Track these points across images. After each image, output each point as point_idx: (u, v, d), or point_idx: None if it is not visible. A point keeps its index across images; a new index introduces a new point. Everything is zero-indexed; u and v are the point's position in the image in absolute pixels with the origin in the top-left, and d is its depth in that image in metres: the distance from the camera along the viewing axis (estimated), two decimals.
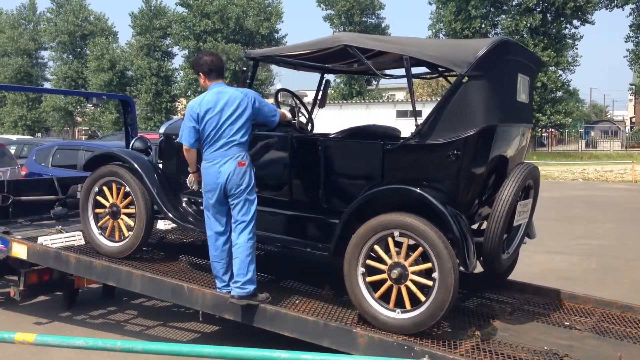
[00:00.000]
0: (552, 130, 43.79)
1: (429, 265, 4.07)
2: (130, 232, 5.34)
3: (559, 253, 8.26)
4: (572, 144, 49.37)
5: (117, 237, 5.43)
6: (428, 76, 5.74)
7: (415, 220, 4.06)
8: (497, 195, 4.32)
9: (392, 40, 4.83)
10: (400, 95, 47.85)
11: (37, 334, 2.82)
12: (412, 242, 4.15)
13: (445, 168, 4.16)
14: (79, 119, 59.23)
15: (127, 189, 5.33)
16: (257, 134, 4.99)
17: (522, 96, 4.58)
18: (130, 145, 6.02)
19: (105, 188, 5.48)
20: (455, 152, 4.07)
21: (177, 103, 54.13)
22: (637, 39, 40.47)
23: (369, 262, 4.29)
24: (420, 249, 4.10)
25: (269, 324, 4.47)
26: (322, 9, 48.87)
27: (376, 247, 4.24)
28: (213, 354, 2.65)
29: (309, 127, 5.64)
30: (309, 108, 5.70)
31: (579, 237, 10.12)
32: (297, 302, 4.77)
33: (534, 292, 5.57)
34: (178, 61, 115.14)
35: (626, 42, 41.80)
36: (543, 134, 45.51)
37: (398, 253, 4.18)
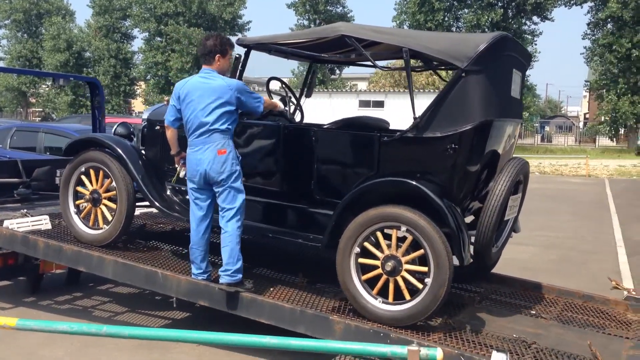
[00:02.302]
0: None
1: (421, 252, 4.10)
2: (110, 220, 5.24)
3: (520, 244, 8.47)
4: (528, 138, 50.41)
5: (96, 224, 5.33)
6: (421, 69, 5.70)
7: (411, 213, 4.08)
8: (490, 189, 4.37)
9: (391, 31, 4.80)
10: (363, 85, 47.94)
11: (18, 318, 2.77)
12: (401, 234, 4.17)
13: (442, 161, 4.19)
14: (33, 100, 57.65)
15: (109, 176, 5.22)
16: (249, 122, 4.96)
17: (515, 91, 4.63)
18: (113, 130, 5.89)
19: (88, 173, 5.35)
20: (452, 145, 4.09)
21: (136, 86, 53.17)
22: (594, 37, 41.47)
23: (362, 256, 4.29)
24: (409, 239, 4.13)
25: (245, 311, 4.48)
26: None
27: (371, 239, 4.25)
28: (202, 339, 2.65)
29: (299, 117, 5.61)
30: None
31: (538, 229, 10.39)
32: (271, 289, 4.78)
33: (499, 281, 5.70)
34: (138, 43, 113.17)
35: (583, 39, 42.83)
36: None
37: (390, 246, 4.20)
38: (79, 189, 5.36)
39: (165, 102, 5.58)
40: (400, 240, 4.19)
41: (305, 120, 5.63)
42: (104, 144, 5.30)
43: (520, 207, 4.96)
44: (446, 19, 42.50)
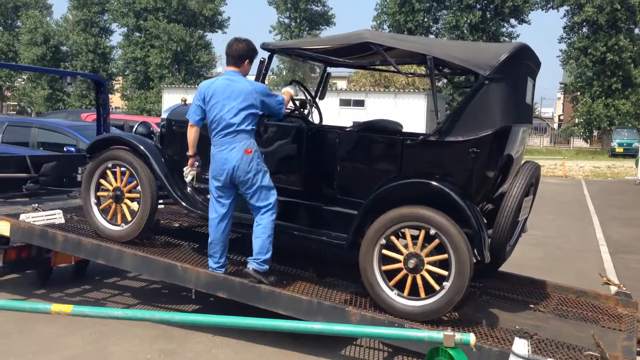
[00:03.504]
0: None
1: (445, 256, 4.33)
2: (133, 217, 5.37)
3: None
4: None
5: (118, 221, 5.45)
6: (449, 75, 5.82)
7: (443, 218, 4.29)
8: (507, 191, 4.62)
9: (415, 39, 4.99)
10: (343, 84, 48.23)
11: (73, 305, 2.94)
12: (416, 233, 4.38)
13: (463, 164, 4.41)
14: (8, 94, 56.84)
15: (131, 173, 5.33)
16: (272, 123, 5.14)
17: (528, 98, 4.87)
18: (134, 129, 6.03)
19: (108, 172, 5.49)
20: (474, 149, 4.32)
21: (114, 82, 52.73)
22: (570, 40, 42.30)
23: (385, 252, 4.50)
24: (436, 242, 4.34)
25: (263, 303, 4.68)
26: None
27: (398, 234, 4.47)
28: (249, 324, 2.85)
29: (318, 119, 5.78)
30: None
31: None
32: (283, 282, 4.99)
33: (497, 277, 5.98)
34: (116, 38, 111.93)
35: (559, 42, 43.67)
36: None
37: (414, 244, 4.41)
38: (103, 182, 5.49)
39: (183, 103, 5.75)
40: (426, 240, 4.40)
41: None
42: (128, 142, 5.41)
43: (530, 208, 5.22)
44: (426, 19, 43.01)
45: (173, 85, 40.04)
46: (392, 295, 4.46)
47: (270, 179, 4.76)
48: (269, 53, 5.09)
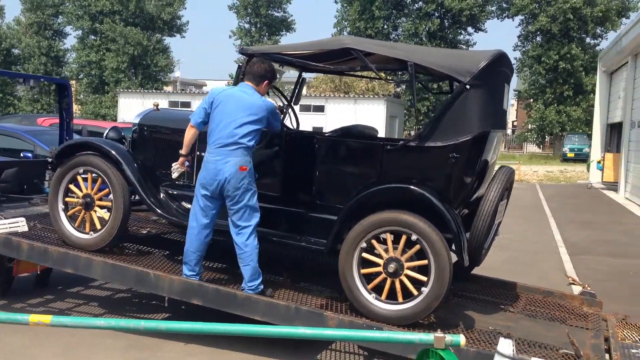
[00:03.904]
0: None
1: (425, 262, 4.36)
2: (103, 225, 5.24)
3: None
4: None
5: (87, 229, 5.31)
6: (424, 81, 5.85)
7: (417, 219, 4.32)
8: (484, 195, 4.69)
9: (395, 46, 5.01)
10: (302, 90, 48.33)
11: (52, 315, 2.85)
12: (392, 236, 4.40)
13: (443, 169, 4.46)
14: None
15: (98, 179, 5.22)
16: None
17: (505, 104, 4.95)
18: (104, 134, 5.88)
19: (79, 178, 5.34)
20: (454, 154, 4.37)
21: None
22: (524, 49, 43.37)
23: (365, 255, 4.49)
24: (417, 247, 4.36)
25: (239, 309, 4.64)
26: None
27: (379, 239, 4.47)
28: (235, 331, 2.81)
29: (295, 124, 5.78)
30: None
31: None
32: None
33: (467, 279, 6.07)
34: (71, 41, 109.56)
35: (514, 50, 44.77)
36: None
37: (393, 249, 4.42)
38: (73, 188, 5.35)
39: (155, 107, 5.66)
40: (406, 245, 4.42)
41: None
42: (100, 148, 5.26)
43: (504, 212, 5.30)
44: (385, 26, 43.48)
45: (129, 90, 39.46)
46: (370, 298, 4.47)
47: (257, 201, 4.71)
48: (247, 57, 5.05)
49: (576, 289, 6.52)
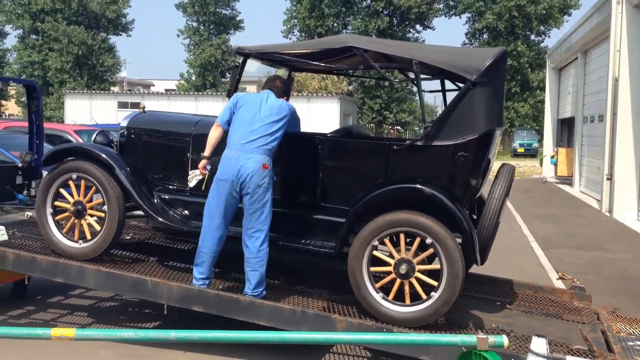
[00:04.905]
0: (390, 127, 46.44)
1: (437, 266, 4.32)
2: (93, 234, 5.04)
3: None
4: None
5: (75, 237, 5.09)
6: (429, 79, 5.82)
7: (441, 228, 4.27)
8: (489, 193, 4.69)
9: (397, 44, 4.96)
10: (253, 89, 48.02)
11: (76, 328, 2.68)
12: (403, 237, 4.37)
13: (451, 168, 4.43)
14: None
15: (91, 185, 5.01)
16: None
17: (503, 101, 4.99)
18: (92, 138, 5.63)
19: (67, 184, 5.11)
20: (462, 153, 4.35)
21: (10, 87, 49.73)
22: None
23: (376, 253, 4.43)
24: (430, 251, 4.33)
25: (242, 314, 4.52)
26: None
27: (392, 239, 4.41)
28: (267, 339, 2.72)
29: None
30: None
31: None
32: None
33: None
34: (11, 41, 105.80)
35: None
36: (390, 132, 48.21)
37: (407, 250, 4.38)
38: (64, 193, 5.11)
39: (142, 110, 5.46)
40: (419, 247, 4.39)
41: None
42: (91, 153, 5.05)
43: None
44: (335, 24, 43.62)
45: (76, 91, 38.31)
46: (377, 297, 4.42)
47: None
48: (243, 57, 4.95)
49: (565, 284, 6.63)
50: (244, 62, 4.98)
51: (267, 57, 5.09)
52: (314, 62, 5.09)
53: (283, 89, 4.83)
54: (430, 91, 5.72)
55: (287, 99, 4.85)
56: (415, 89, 37.96)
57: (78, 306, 6.08)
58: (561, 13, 42.97)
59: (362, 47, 4.62)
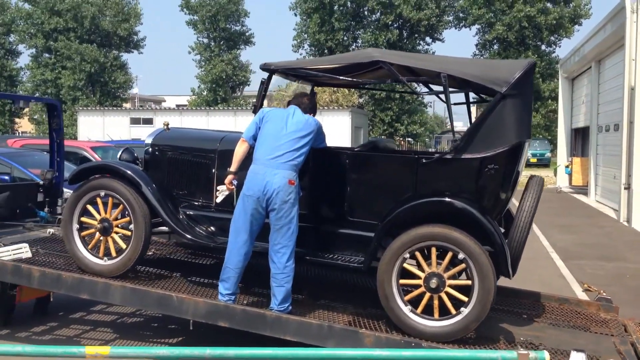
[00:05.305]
0: (401, 139, 46.35)
1: (468, 282, 4.28)
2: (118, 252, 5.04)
3: None
4: None
5: (100, 254, 5.09)
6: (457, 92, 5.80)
7: (467, 238, 4.23)
8: (519, 206, 4.65)
9: (425, 57, 4.95)
10: (264, 104, 48.20)
11: (111, 346, 2.68)
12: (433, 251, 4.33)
13: (482, 181, 4.39)
14: None
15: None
16: None
17: (532, 113, 4.94)
18: (118, 156, 5.65)
19: (94, 202, 5.14)
20: (493, 165, 4.32)
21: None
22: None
23: (406, 266, 4.39)
24: (462, 266, 4.29)
25: (269, 330, 4.49)
26: (185, 14, 47.94)
27: (423, 252, 4.37)
28: (305, 356, 2.69)
29: None
30: None
31: None
32: None
33: None
34: (24, 60, 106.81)
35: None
36: (401, 144, 48.16)
37: (438, 264, 4.33)
38: (91, 210, 5.13)
39: (165, 127, 5.48)
40: (451, 262, 4.34)
41: None
42: (118, 170, 5.07)
43: None
44: (345, 38, 43.76)
45: (89, 108, 38.62)
46: (406, 310, 4.38)
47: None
48: (269, 73, 4.96)
49: (589, 295, 6.55)
50: (269, 78, 4.99)
51: (293, 72, 5.10)
52: (340, 77, 5.09)
53: (310, 105, 4.82)
54: (457, 103, 5.70)
55: (314, 116, 4.85)
56: (426, 100, 37.95)
57: (101, 322, 6.09)
58: (572, 23, 42.83)
59: (389, 62, 4.62)
